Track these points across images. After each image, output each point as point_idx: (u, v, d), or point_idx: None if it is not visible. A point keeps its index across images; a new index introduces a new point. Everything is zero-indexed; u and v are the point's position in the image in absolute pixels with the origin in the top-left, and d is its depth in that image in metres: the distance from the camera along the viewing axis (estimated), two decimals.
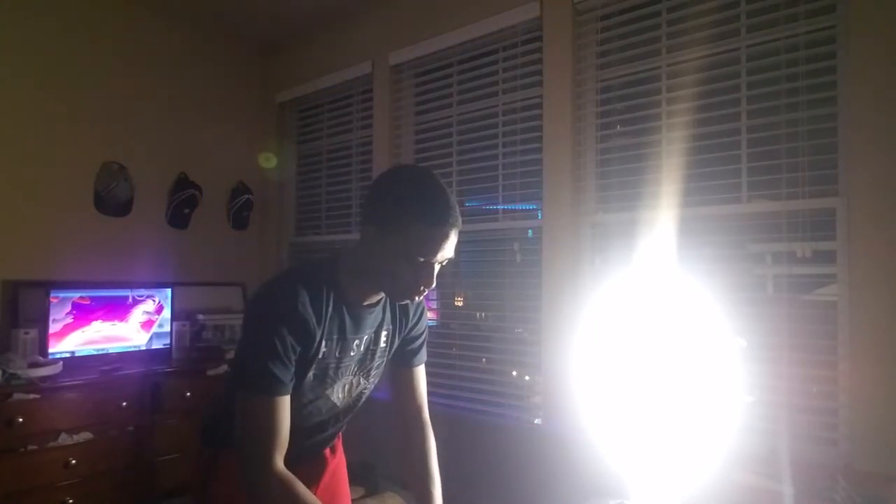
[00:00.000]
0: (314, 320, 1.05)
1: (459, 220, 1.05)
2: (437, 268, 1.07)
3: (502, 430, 2.45)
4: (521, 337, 2.53)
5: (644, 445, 1.73)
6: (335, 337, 1.11)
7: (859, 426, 1.67)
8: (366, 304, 1.15)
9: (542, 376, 2.36)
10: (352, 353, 1.16)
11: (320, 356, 1.09)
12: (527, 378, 2.50)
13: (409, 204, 1.02)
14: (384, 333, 1.22)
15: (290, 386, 1.04)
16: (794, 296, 1.84)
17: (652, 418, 1.70)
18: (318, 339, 1.07)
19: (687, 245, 1.98)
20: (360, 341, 1.17)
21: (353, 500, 1.45)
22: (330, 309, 1.08)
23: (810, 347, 1.78)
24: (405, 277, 1.05)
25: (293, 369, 1.04)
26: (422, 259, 1.03)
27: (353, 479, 1.56)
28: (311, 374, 1.10)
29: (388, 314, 1.22)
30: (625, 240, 2.14)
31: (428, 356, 1.34)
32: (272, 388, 1.01)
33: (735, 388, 1.72)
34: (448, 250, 1.05)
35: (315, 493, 1.23)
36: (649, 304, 1.80)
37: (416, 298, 1.11)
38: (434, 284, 1.07)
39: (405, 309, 1.25)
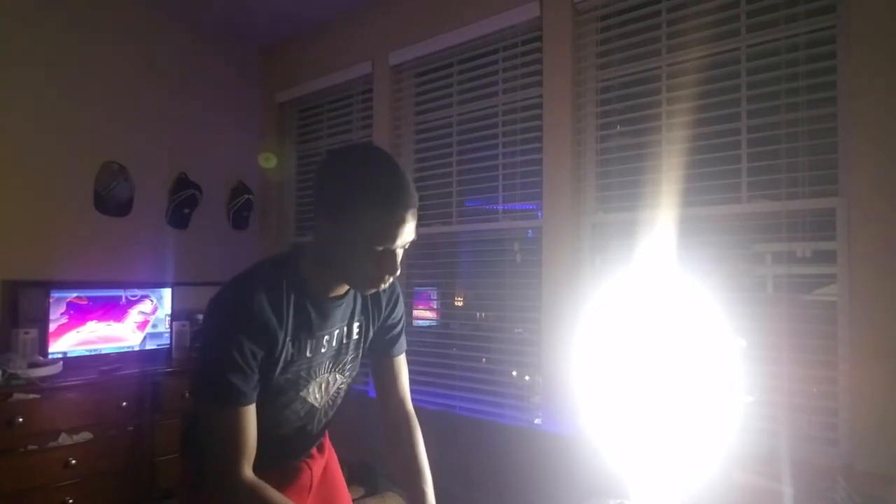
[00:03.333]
0: (275, 322, 0.99)
1: (416, 199, 0.98)
2: (400, 253, 1.02)
3: (502, 430, 2.44)
4: (520, 337, 2.52)
5: (644, 445, 1.72)
6: (302, 336, 1.05)
7: (859, 426, 1.67)
8: (332, 296, 1.09)
9: (542, 376, 2.36)
10: (323, 350, 1.10)
11: (288, 357, 1.04)
12: (527, 378, 2.50)
13: (360, 190, 0.94)
14: (356, 325, 1.16)
15: (254, 394, 0.99)
16: (794, 296, 1.84)
17: (651, 418, 1.70)
18: (281, 340, 1.01)
19: (687, 245, 1.98)
20: (331, 336, 1.11)
21: (353, 500, 1.44)
22: (292, 307, 1.02)
23: (810, 347, 1.78)
24: (366, 267, 0.99)
25: (256, 376, 0.99)
26: (380, 248, 0.97)
27: (353, 479, 1.56)
28: (281, 377, 1.04)
29: (358, 305, 1.16)
30: (625, 240, 2.15)
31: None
32: (235, 399, 0.96)
33: (735, 388, 1.71)
34: (407, 235, 0.99)
35: (312, 491, 1.22)
36: (649, 304, 1.80)
37: (382, 286, 1.05)
38: (399, 271, 1.03)
39: (377, 297, 1.19)
